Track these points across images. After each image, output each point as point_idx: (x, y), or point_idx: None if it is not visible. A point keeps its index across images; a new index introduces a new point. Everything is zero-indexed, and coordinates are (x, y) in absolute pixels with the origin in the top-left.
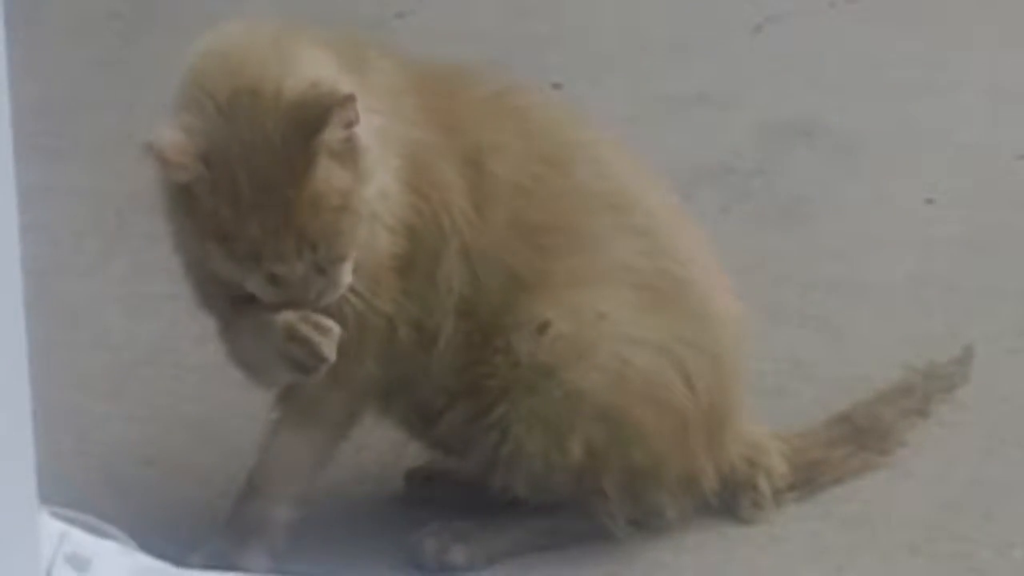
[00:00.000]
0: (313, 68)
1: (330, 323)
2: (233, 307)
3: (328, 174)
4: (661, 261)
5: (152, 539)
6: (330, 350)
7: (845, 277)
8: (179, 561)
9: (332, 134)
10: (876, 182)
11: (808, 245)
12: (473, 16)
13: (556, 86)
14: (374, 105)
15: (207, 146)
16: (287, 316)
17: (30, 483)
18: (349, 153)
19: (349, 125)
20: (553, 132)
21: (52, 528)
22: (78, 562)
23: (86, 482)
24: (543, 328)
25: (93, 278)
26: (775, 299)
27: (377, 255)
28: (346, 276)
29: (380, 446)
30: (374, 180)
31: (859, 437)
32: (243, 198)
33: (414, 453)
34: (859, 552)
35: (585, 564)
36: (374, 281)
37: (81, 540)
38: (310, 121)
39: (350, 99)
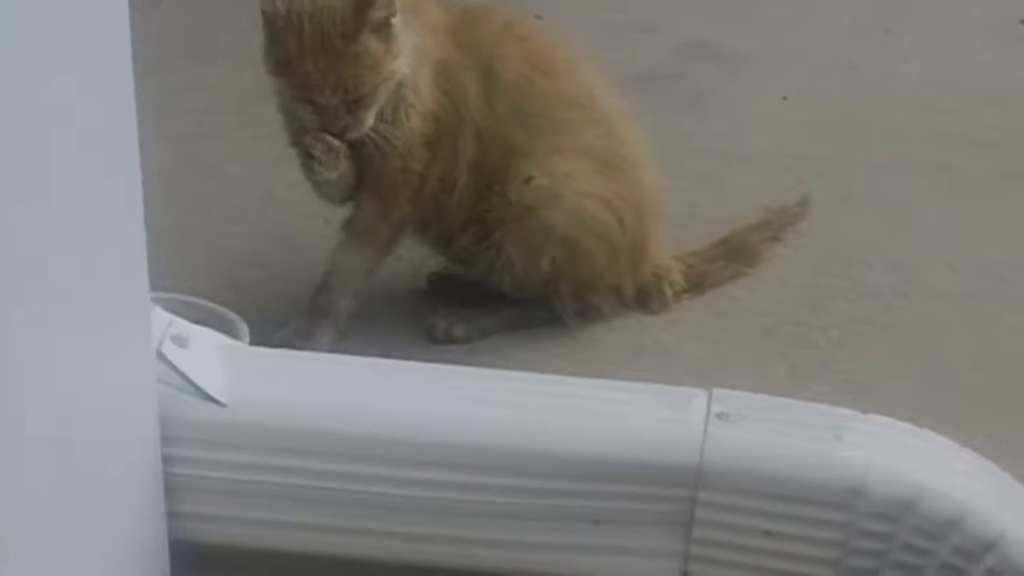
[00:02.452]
0: None
1: (337, 143)
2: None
3: (367, 42)
4: (609, 142)
5: (257, 320)
6: (331, 166)
7: (728, 149)
8: (274, 333)
9: (375, 12)
10: (750, 84)
11: (705, 127)
12: None
13: (538, 17)
14: (420, 33)
15: (290, 2)
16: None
17: (144, 282)
18: (385, 34)
19: (388, 7)
20: (542, 50)
21: (162, 316)
22: (179, 340)
23: (213, 283)
24: (528, 181)
25: (221, 143)
26: (682, 165)
27: (411, 132)
28: (368, 120)
29: (412, 257)
30: (400, 59)
31: (733, 255)
32: (305, 43)
33: (435, 262)
34: (730, 333)
35: (547, 339)
36: (409, 149)
37: (182, 325)
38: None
39: None
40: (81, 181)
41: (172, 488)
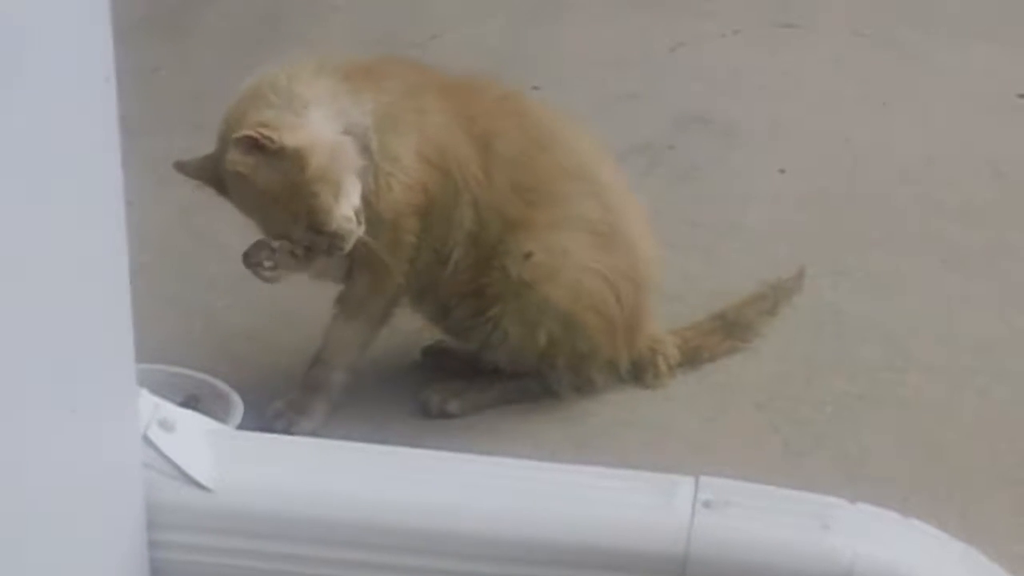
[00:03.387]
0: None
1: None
2: None
3: (279, 184)
4: (606, 215)
5: (251, 393)
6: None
7: (723, 219)
8: (267, 405)
9: (233, 157)
10: (746, 156)
11: (699, 197)
12: (482, 37)
13: (535, 88)
14: (385, 100)
15: (212, 171)
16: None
17: (131, 368)
18: (296, 163)
19: (249, 153)
20: (539, 124)
21: (149, 400)
22: (166, 425)
23: (209, 355)
24: (527, 256)
25: (220, 212)
26: (676, 234)
27: (396, 203)
28: (351, 225)
29: (407, 329)
30: (323, 158)
31: (728, 329)
32: (240, 201)
33: (429, 335)
34: (724, 408)
35: (541, 413)
36: (397, 220)
37: (169, 409)
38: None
39: (240, 139)
40: (66, 266)
41: (158, 573)
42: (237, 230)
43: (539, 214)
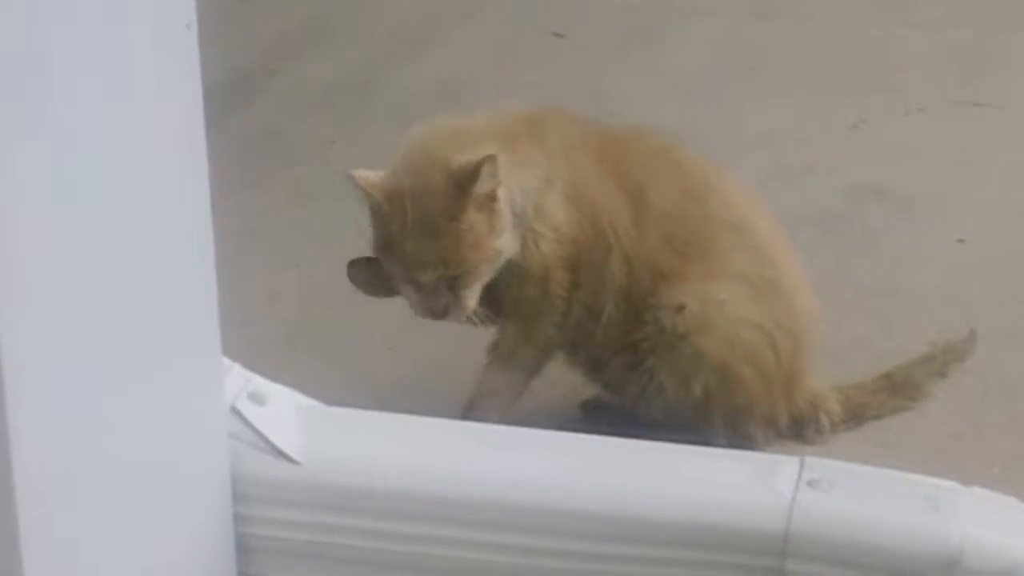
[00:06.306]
0: (474, 153)
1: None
2: None
3: (470, 219)
4: (764, 268)
5: None
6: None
7: (896, 286)
8: None
9: (482, 185)
10: (922, 226)
11: (873, 265)
12: (660, 114)
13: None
14: (544, 159)
15: (391, 188)
16: None
17: (215, 337)
18: (488, 210)
19: (493, 176)
20: (697, 176)
21: (238, 373)
22: (256, 398)
23: (364, 406)
24: (680, 309)
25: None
26: (847, 299)
27: (545, 257)
28: (470, 301)
29: (565, 383)
30: (504, 237)
31: (895, 388)
32: (408, 224)
33: (587, 389)
34: (886, 465)
35: None
36: (547, 273)
37: (261, 383)
38: (468, 175)
39: (492, 158)
40: (148, 230)
41: (244, 548)
42: None
43: (692, 266)
